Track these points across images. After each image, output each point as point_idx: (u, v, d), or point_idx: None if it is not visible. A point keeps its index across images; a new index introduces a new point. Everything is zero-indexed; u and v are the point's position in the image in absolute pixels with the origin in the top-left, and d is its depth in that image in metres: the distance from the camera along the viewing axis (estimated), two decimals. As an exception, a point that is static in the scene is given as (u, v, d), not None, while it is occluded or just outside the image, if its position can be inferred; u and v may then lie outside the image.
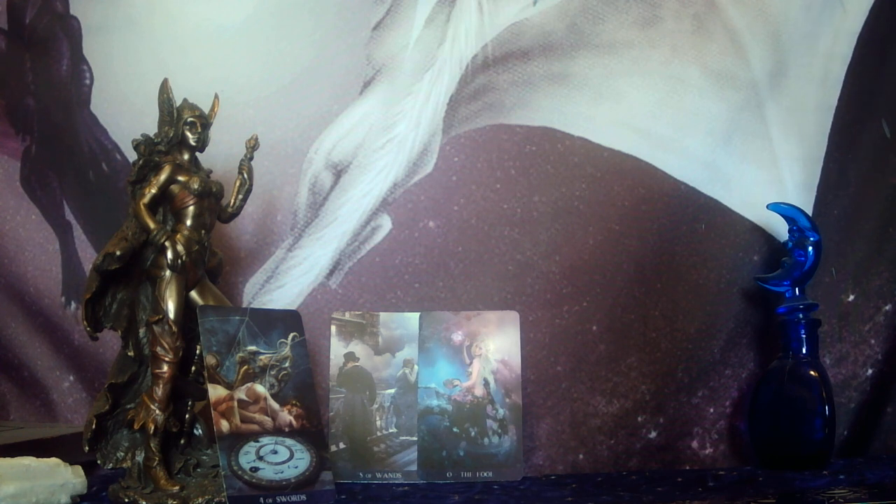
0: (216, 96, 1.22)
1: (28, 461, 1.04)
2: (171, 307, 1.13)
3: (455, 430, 1.31)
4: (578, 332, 1.48)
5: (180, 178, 1.16)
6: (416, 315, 1.36)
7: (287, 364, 1.17)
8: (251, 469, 1.08)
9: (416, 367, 1.34)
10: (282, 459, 1.11)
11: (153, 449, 1.13)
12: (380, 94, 1.50)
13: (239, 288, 1.48)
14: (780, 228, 1.48)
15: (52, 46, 1.53)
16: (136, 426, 1.13)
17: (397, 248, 1.48)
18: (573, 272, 1.48)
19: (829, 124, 1.54)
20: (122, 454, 1.17)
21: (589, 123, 1.50)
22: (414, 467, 1.30)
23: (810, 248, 1.40)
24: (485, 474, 1.30)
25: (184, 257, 1.14)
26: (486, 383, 1.33)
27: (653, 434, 1.48)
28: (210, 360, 1.11)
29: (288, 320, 1.20)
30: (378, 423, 1.32)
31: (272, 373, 1.15)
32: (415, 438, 1.31)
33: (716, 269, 1.50)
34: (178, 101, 1.18)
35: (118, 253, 1.10)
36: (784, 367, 1.40)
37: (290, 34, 1.50)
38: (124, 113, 1.49)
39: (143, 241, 1.14)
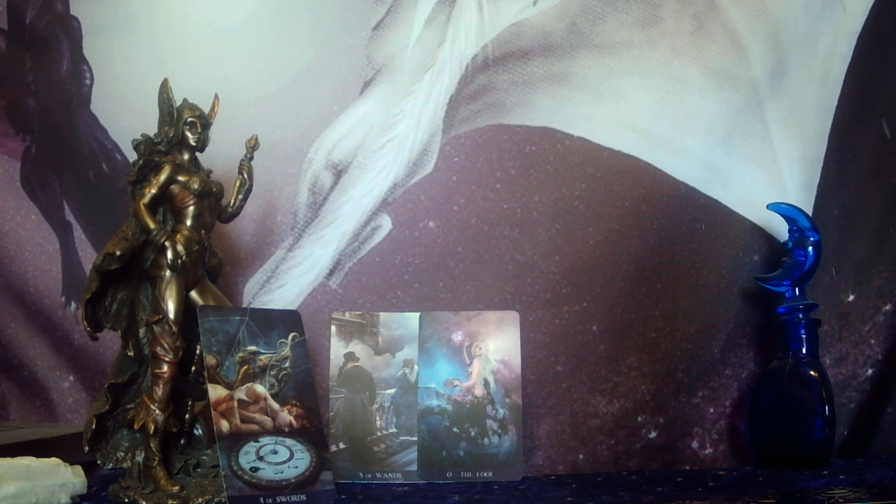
0: (216, 96, 1.22)
1: (28, 461, 1.04)
2: (171, 307, 1.13)
3: (455, 430, 1.31)
4: (578, 332, 1.48)
5: (180, 178, 1.16)
6: (416, 315, 1.36)
7: (287, 364, 1.17)
8: (251, 469, 1.08)
9: (416, 367, 1.34)
10: (282, 459, 1.11)
11: (153, 449, 1.13)
12: (380, 94, 1.50)
13: (239, 288, 1.48)
14: (780, 228, 1.48)
15: (52, 46, 1.53)
16: (136, 426, 1.13)
17: (397, 248, 1.48)
18: (573, 272, 1.48)
19: (829, 124, 1.54)
20: (122, 454, 1.17)
21: (589, 123, 1.50)
22: (414, 467, 1.30)
23: (810, 248, 1.40)
24: (485, 474, 1.30)
25: (184, 257, 1.14)
26: (486, 383, 1.33)
27: (653, 434, 1.48)
28: (210, 360, 1.12)
29: (288, 320, 1.20)
30: (378, 423, 1.32)
31: (272, 373, 1.15)
32: (415, 438, 1.31)
33: (716, 269, 1.50)
34: (178, 101, 1.18)
35: (118, 253, 1.10)
36: (784, 367, 1.40)
37: (290, 34, 1.50)
38: (124, 113, 1.49)
39: (143, 241, 1.14)
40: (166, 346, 1.12)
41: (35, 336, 1.52)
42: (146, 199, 1.14)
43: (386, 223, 1.49)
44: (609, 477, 1.36)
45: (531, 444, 1.45)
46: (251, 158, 1.23)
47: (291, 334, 1.18)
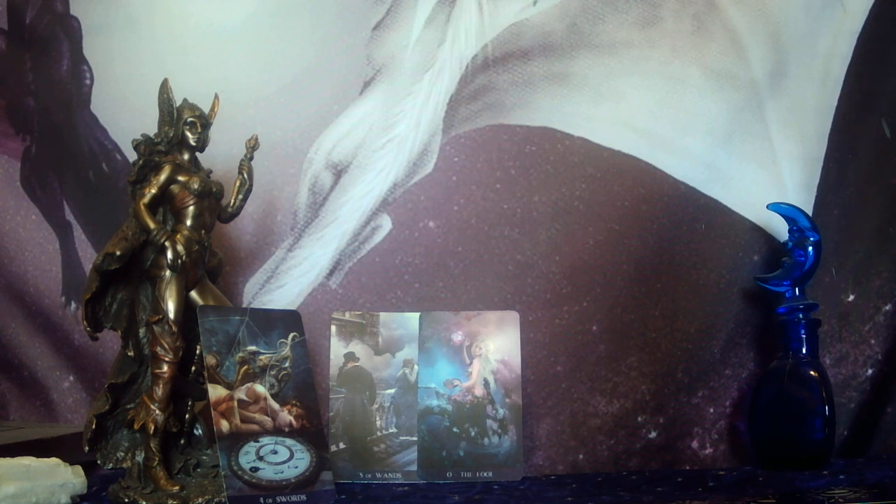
0: (216, 96, 1.22)
1: (28, 461, 1.04)
2: (171, 307, 1.13)
3: (455, 430, 1.31)
4: (578, 332, 1.48)
5: (180, 178, 1.16)
6: (416, 315, 1.36)
7: (287, 364, 1.17)
8: (251, 469, 1.08)
9: (416, 367, 1.34)
10: (282, 459, 1.11)
11: (153, 449, 1.13)
12: (380, 94, 1.50)
13: (239, 288, 1.48)
14: (780, 228, 1.48)
15: (52, 46, 1.53)
16: (136, 426, 1.13)
17: (397, 248, 1.48)
18: (573, 272, 1.48)
19: (829, 124, 1.54)
20: (122, 454, 1.17)
21: (589, 123, 1.50)
22: (414, 467, 1.30)
23: (810, 248, 1.40)
24: (485, 474, 1.30)
25: (184, 257, 1.14)
26: (486, 383, 1.33)
27: (653, 434, 1.48)
28: (210, 360, 1.11)
29: (288, 320, 1.20)
30: (378, 423, 1.32)
31: (272, 373, 1.15)
32: (415, 438, 1.31)
33: (716, 269, 1.50)
34: (178, 101, 1.18)
35: (118, 253, 1.10)
36: (784, 367, 1.40)
37: (290, 34, 1.50)
38: (124, 113, 1.49)
39: (143, 241, 1.14)
40: (166, 346, 1.12)
41: (35, 336, 1.52)
42: (146, 199, 1.14)
43: (386, 223, 1.49)
44: (609, 477, 1.36)
45: (531, 444, 1.45)
46: (251, 158, 1.23)
47: (291, 334, 1.18)
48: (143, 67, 1.47)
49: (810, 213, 1.48)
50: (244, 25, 1.50)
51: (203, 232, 1.17)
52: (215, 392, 1.10)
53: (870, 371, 1.52)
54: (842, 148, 1.54)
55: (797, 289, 1.41)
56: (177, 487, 1.12)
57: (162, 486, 1.12)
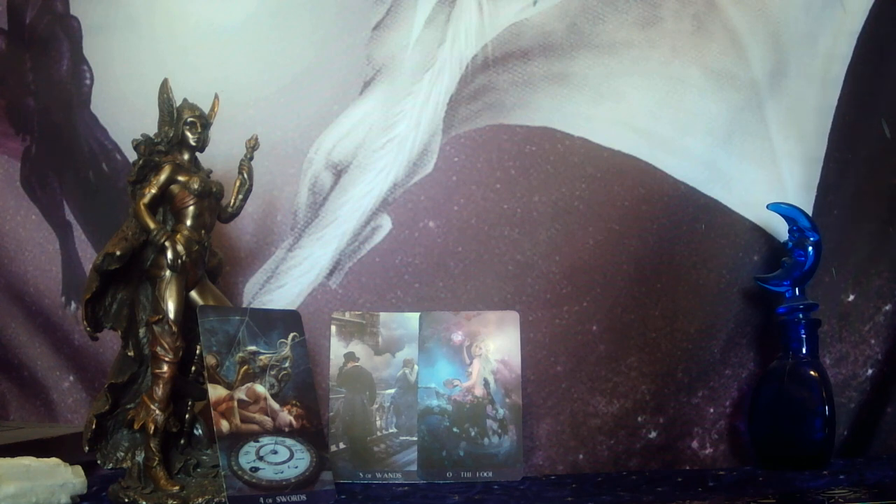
0: (216, 96, 1.22)
1: (28, 461, 1.04)
2: (171, 307, 1.13)
3: (455, 430, 1.31)
4: (578, 332, 1.48)
5: (180, 178, 1.16)
6: (416, 315, 1.36)
7: (287, 364, 1.17)
8: (251, 469, 1.08)
9: (416, 367, 1.34)
10: (282, 459, 1.11)
11: (153, 449, 1.13)
12: (380, 94, 1.50)
13: (239, 288, 1.48)
14: (780, 228, 1.48)
15: (52, 46, 1.53)
16: (136, 426, 1.13)
17: (397, 248, 1.48)
18: (573, 272, 1.48)
19: (829, 124, 1.54)
20: (122, 454, 1.17)
21: (589, 123, 1.50)
22: (414, 467, 1.30)
23: (810, 248, 1.40)
24: (485, 474, 1.30)
25: (184, 257, 1.14)
26: (486, 383, 1.33)
27: (653, 434, 1.48)
28: (210, 360, 1.11)
29: (288, 320, 1.20)
30: (378, 423, 1.32)
31: (272, 373, 1.15)
32: (415, 438, 1.31)
33: (716, 269, 1.50)
34: (178, 101, 1.18)
35: (118, 253, 1.10)
36: (784, 367, 1.40)
37: (290, 34, 1.50)
38: (124, 113, 1.49)
39: (143, 241, 1.14)
40: (166, 346, 1.12)
41: (35, 336, 1.52)
42: (146, 199, 1.14)
43: (386, 223, 1.49)
44: (609, 477, 1.36)
45: (531, 444, 1.45)
46: (251, 158, 1.23)
47: (291, 334, 1.18)
48: (143, 67, 1.47)
49: (810, 213, 1.48)
50: (244, 25, 1.50)
51: (203, 232, 1.17)
52: (215, 392, 1.10)
53: (870, 371, 1.52)
54: (842, 148, 1.54)
55: (797, 289, 1.41)
56: (177, 487, 1.12)
57: (162, 486, 1.12)
